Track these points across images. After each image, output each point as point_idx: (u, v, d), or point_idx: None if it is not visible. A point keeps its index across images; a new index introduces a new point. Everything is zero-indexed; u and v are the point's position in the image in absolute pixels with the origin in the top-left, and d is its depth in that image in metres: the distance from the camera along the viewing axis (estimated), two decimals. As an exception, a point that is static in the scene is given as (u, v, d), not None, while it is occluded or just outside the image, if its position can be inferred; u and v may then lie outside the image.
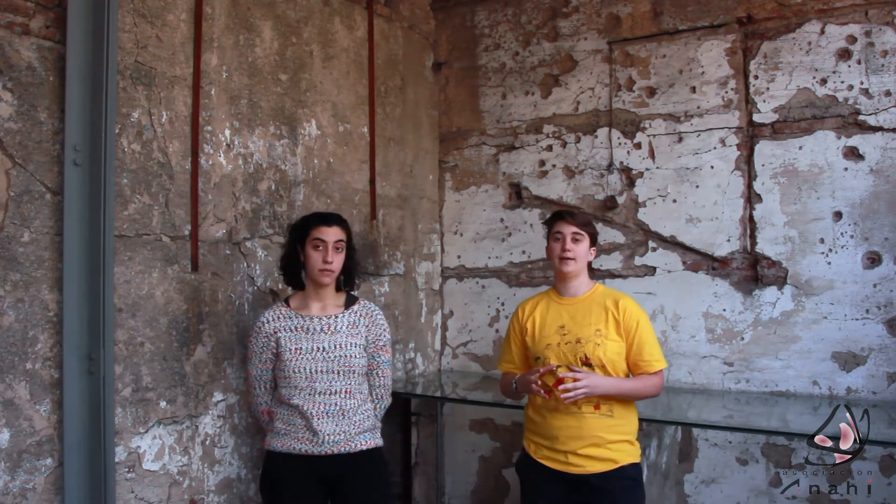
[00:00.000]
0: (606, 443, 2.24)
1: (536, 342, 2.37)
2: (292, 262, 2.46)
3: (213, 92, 2.65)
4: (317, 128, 3.16)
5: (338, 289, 2.49)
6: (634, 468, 2.29)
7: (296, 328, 2.38)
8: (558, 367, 2.25)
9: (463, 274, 3.96)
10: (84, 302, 2.14)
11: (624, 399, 2.28)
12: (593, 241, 2.42)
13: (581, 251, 2.36)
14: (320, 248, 2.36)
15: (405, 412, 3.72)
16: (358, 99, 3.42)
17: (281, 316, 2.41)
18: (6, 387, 2.01)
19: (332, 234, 2.37)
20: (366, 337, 2.43)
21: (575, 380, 2.17)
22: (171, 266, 2.47)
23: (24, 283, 2.06)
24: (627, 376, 2.32)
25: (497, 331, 3.83)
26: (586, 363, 2.25)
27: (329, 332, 2.38)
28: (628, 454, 2.28)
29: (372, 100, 3.49)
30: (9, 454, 2.01)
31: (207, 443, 2.59)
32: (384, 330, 2.50)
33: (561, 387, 2.18)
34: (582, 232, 2.36)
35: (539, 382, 2.22)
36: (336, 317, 2.42)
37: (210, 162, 2.63)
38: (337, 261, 2.38)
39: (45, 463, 2.10)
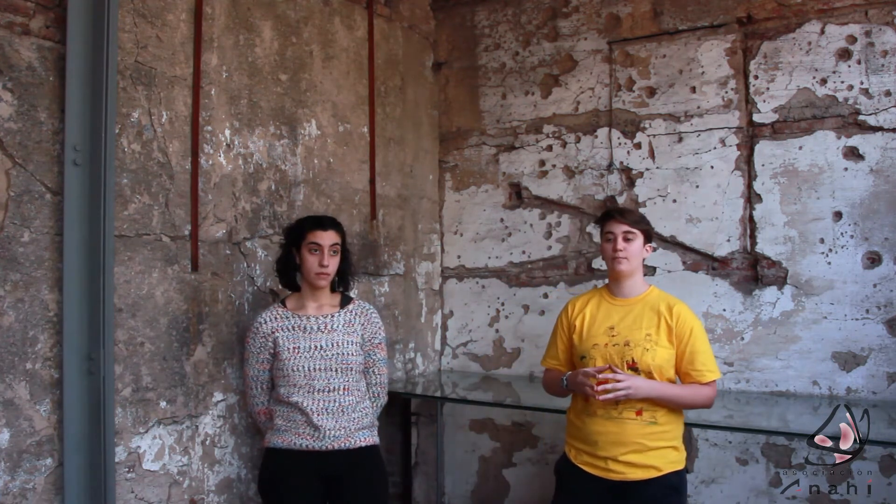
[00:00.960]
0: (648, 449, 2.18)
1: (584, 341, 2.32)
2: (288, 264, 2.49)
3: (213, 92, 2.65)
4: (317, 128, 3.16)
5: (332, 289, 2.52)
6: (677, 476, 2.21)
7: (293, 328, 2.42)
8: (610, 367, 2.18)
9: (463, 274, 3.96)
10: (84, 302, 2.14)
11: (670, 406, 2.21)
12: (648, 238, 2.34)
13: (634, 250, 2.29)
14: (316, 251, 2.39)
15: (405, 412, 3.72)
16: (358, 99, 3.42)
17: (278, 316, 2.45)
18: (6, 387, 2.01)
19: (327, 238, 2.40)
20: (361, 335, 2.48)
21: (616, 381, 2.11)
22: (171, 266, 2.47)
23: (24, 283, 2.06)
24: (673, 383, 2.26)
25: (497, 331, 3.83)
26: (632, 367, 2.19)
27: (326, 331, 2.42)
28: (671, 462, 2.21)
29: (372, 100, 3.49)
30: (9, 454, 2.01)
31: (207, 443, 2.59)
32: (379, 328, 2.55)
33: (600, 387, 2.12)
34: (634, 230, 2.29)
35: (592, 384, 2.15)
36: (332, 316, 2.46)
37: (210, 162, 2.63)
38: (332, 264, 2.42)
39: (45, 463, 2.10)
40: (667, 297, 2.32)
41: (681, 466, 2.24)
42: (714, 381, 2.25)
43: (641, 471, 2.18)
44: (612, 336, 2.26)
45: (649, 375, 2.19)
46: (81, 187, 2.14)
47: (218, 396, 2.63)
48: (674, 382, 2.26)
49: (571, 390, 2.29)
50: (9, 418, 2.01)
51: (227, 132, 2.71)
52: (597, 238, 3.39)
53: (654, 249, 2.50)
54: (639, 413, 2.18)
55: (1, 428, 2.00)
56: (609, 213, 2.36)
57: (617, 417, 2.20)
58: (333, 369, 2.38)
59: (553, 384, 2.42)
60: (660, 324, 2.25)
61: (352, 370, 2.42)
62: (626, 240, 2.28)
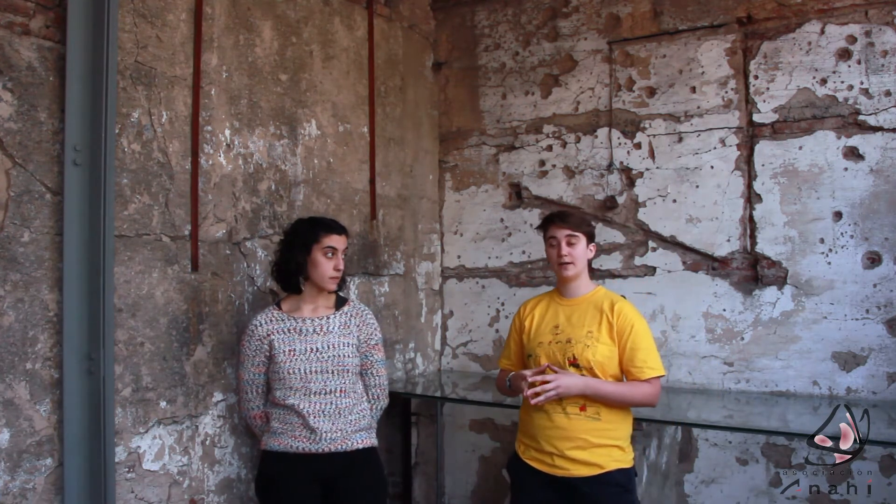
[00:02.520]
0: (592, 446, 2.19)
1: (531, 340, 2.37)
2: (293, 266, 2.43)
3: (213, 92, 2.65)
4: (317, 128, 3.16)
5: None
6: (623, 474, 2.21)
7: (288, 330, 2.41)
8: (548, 366, 2.23)
9: (463, 274, 3.96)
10: (84, 302, 2.13)
11: (610, 403, 2.22)
12: (590, 239, 2.37)
13: (578, 253, 2.32)
14: (331, 255, 2.40)
15: (405, 412, 3.72)
16: (358, 99, 3.42)
17: (273, 319, 2.44)
18: (6, 387, 2.01)
19: (341, 242, 2.44)
20: (357, 337, 2.47)
21: (545, 381, 2.14)
22: (171, 266, 2.47)
23: (24, 283, 2.06)
24: (620, 381, 2.26)
25: (497, 331, 3.83)
26: (573, 364, 2.22)
27: (321, 333, 2.41)
28: (616, 460, 2.21)
29: (372, 100, 3.49)
30: (9, 454, 2.01)
31: (207, 443, 2.59)
32: (375, 329, 2.54)
33: (530, 391, 2.16)
34: (576, 233, 2.32)
35: (529, 382, 2.18)
36: (328, 318, 2.45)
37: (210, 162, 2.63)
38: (343, 268, 2.45)
39: (45, 463, 2.10)
40: (611, 296, 2.36)
41: (627, 465, 2.24)
42: (656, 377, 2.24)
43: (585, 468, 2.19)
44: (556, 334, 2.31)
45: (591, 372, 2.21)
46: (81, 187, 2.14)
47: (218, 396, 2.63)
48: (619, 379, 2.26)
49: (515, 391, 2.35)
50: (9, 418, 2.01)
51: (227, 132, 2.71)
52: (597, 239, 3.40)
53: (598, 247, 2.52)
54: (582, 409, 2.21)
55: (1, 428, 2.00)
56: (550, 218, 2.38)
57: (561, 413, 2.22)
58: (330, 371, 2.37)
59: (500, 384, 2.49)
60: (601, 321, 2.27)
61: (348, 372, 2.41)
62: (570, 244, 2.31)
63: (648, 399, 2.24)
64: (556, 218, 2.37)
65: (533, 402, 2.16)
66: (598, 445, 2.20)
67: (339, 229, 2.46)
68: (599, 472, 2.19)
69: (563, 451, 2.21)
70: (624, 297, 2.38)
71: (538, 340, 2.34)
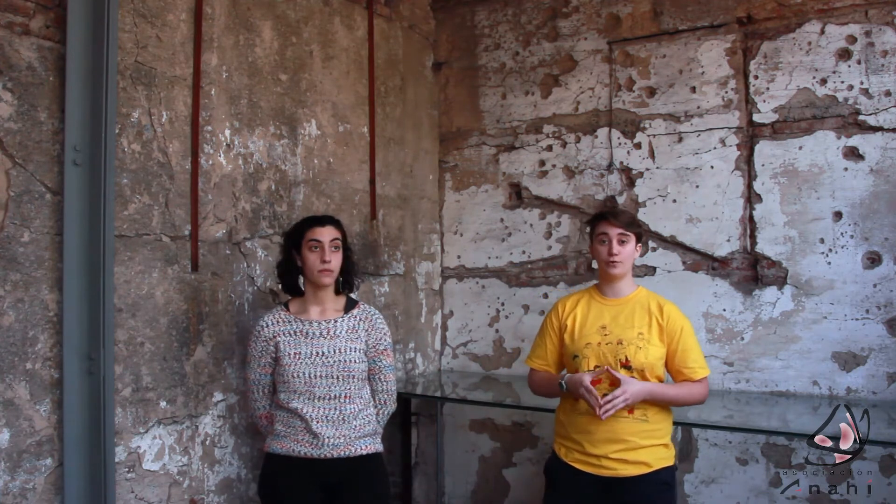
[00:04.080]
0: (639, 447, 2.19)
1: (576, 340, 2.31)
2: (289, 268, 2.44)
3: (213, 92, 2.65)
4: (317, 128, 3.16)
5: (337, 291, 2.46)
6: (668, 472, 2.23)
7: (295, 332, 2.37)
8: (607, 369, 2.18)
9: (463, 274, 3.96)
10: (84, 302, 2.13)
11: (668, 405, 2.24)
12: (639, 239, 2.34)
13: (627, 252, 2.28)
14: (316, 248, 2.34)
15: (405, 412, 3.72)
16: (358, 99, 3.42)
17: (280, 320, 2.40)
18: (6, 387, 2.01)
19: (326, 233, 2.36)
20: (366, 341, 2.41)
21: (614, 396, 2.10)
22: (171, 266, 2.47)
23: (24, 283, 2.06)
24: (663, 381, 2.27)
25: (497, 331, 3.83)
26: (626, 366, 2.20)
27: (328, 337, 2.36)
28: (661, 458, 2.22)
29: (372, 100, 3.49)
30: (9, 454, 2.01)
31: (207, 443, 2.59)
32: (384, 334, 2.47)
33: (603, 408, 2.11)
34: (628, 233, 2.28)
35: (596, 398, 2.13)
36: (335, 321, 2.40)
37: (210, 162, 2.63)
38: (335, 259, 2.36)
39: (45, 463, 2.10)
40: (656, 297, 2.35)
41: (671, 463, 2.27)
42: (705, 377, 2.27)
43: (633, 467, 2.19)
44: (605, 335, 2.27)
45: (641, 373, 2.20)
46: (81, 187, 2.14)
47: (218, 396, 2.63)
48: (663, 380, 2.27)
49: (574, 394, 2.25)
50: (9, 418, 2.01)
51: (227, 132, 2.71)
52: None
53: (654, 249, 2.51)
54: (630, 411, 2.19)
55: (1, 428, 2.00)
56: (603, 215, 2.34)
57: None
58: (335, 377, 2.32)
59: (545, 385, 2.40)
60: (651, 322, 2.26)
61: (354, 378, 2.35)
62: (621, 242, 2.28)
63: (701, 398, 2.29)
64: (609, 215, 2.32)
65: (604, 417, 2.12)
66: (644, 446, 2.20)
67: (322, 221, 2.39)
68: (647, 472, 2.19)
69: (610, 454, 2.20)
70: (668, 300, 2.36)
71: (585, 341, 2.28)
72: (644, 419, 2.20)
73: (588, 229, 2.42)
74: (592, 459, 2.23)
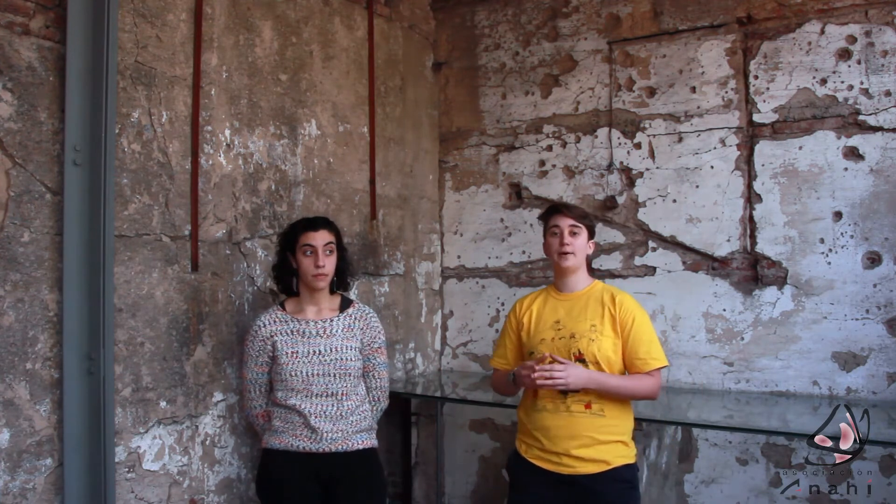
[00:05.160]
0: (598, 443, 2.18)
1: (531, 337, 2.34)
2: (284, 269, 2.48)
3: (213, 92, 2.65)
4: (317, 128, 3.16)
5: (331, 291, 2.49)
6: (628, 470, 2.22)
7: (292, 332, 2.41)
8: (550, 355, 2.19)
9: (463, 274, 3.96)
10: (84, 302, 2.13)
11: (615, 398, 2.21)
12: (591, 234, 2.36)
13: (579, 245, 2.30)
14: (310, 253, 2.37)
15: (405, 412, 3.72)
16: (358, 99, 3.42)
17: (277, 320, 2.43)
18: (6, 387, 2.01)
19: (319, 238, 2.39)
20: (361, 340, 2.46)
21: (554, 368, 2.12)
22: (171, 266, 2.47)
23: (24, 283, 2.06)
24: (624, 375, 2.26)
25: (497, 331, 3.83)
26: (580, 359, 2.20)
27: (325, 336, 2.40)
28: (621, 455, 2.21)
29: (372, 100, 3.49)
30: (9, 454, 2.01)
31: (207, 443, 2.59)
32: (379, 332, 2.53)
33: (537, 373, 2.12)
34: (579, 224, 2.30)
35: (538, 368, 2.15)
36: (331, 320, 2.44)
37: (210, 162, 2.63)
38: (329, 264, 2.40)
39: (45, 463, 2.10)
40: (611, 289, 2.33)
41: (631, 461, 2.24)
42: (658, 369, 2.22)
43: (592, 464, 2.18)
44: (559, 330, 2.27)
45: (597, 366, 2.19)
46: (81, 187, 2.14)
47: (218, 396, 2.63)
48: (624, 374, 2.25)
49: (519, 385, 2.29)
50: (9, 418, 2.01)
51: (227, 132, 2.71)
52: (597, 238, 3.40)
53: (597, 245, 2.50)
54: (587, 406, 2.19)
55: (1, 428, 2.00)
56: (555, 208, 2.37)
57: (566, 411, 2.20)
58: (332, 374, 2.37)
59: (501, 383, 2.44)
60: (604, 314, 2.25)
61: (350, 375, 2.40)
62: (572, 234, 2.29)
63: (652, 391, 2.22)
64: (561, 207, 2.36)
65: (538, 383, 2.12)
66: (603, 442, 2.19)
67: (316, 226, 2.41)
68: (606, 469, 2.18)
69: (570, 450, 2.19)
70: (624, 291, 2.35)
71: (540, 337, 2.30)
72: (601, 414, 2.19)
73: (542, 225, 2.42)
74: (552, 457, 2.23)
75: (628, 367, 2.26)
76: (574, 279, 2.35)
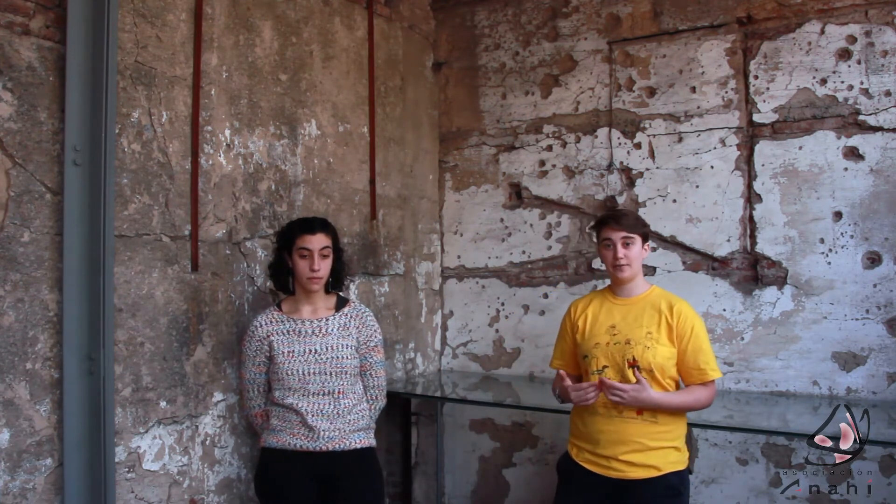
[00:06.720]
0: (649, 449, 2.18)
1: (586, 340, 2.32)
2: (280, 269, 2.49)
3: (213, 92, 2.65)
4: (317, 128, 3.16)
5: (326, 290, 2.50)
6: (677, 477, 2.21)
7: (288, 331, 2.41)
8: (602, 370, 2.23)
9: (463, 274, 3.96)
10: (84, 302, 2.14)
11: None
12: (645, 239, 2.34)
13: (634, 255, 2.28)
14: (306, 256, 2.38)
15: (405, 412, 3.72)
16: (358, 99, 3.42)
17: (273, 320, 2.44)
18: (6, 387, 2.01)
19: (316, 241, 2.39)
20: (357, 338, 2.46)
21: (623, 389, 2.12)
22: (171, 266, 2.47)
23: (24, 283, 2.06)
24: (677, 382, 2.27)
25: (497, 331, 3.83)
26: (634, 365, 2.19)
27: (320, 335, 2.41)
28: (671, 462, 2.20)
29: (372, 100, 3.49)
30: (9, 454, 2.01)
31: (207, 443, 2.59)
32: (375, 331, 2.53)
33: (609, 383, 2.14)
34: (632, 234, 2.27)
35: (566, 379, 2.21)
36: (327, 319, 2.45)
37: (210, 162, 2.63)
38: (324, 267, 2.41)
39: (45, 463, 2.10)
40: (668, 296, 2.32)
41: (682, 467, 2.24)
42: (714, 380, 2.25)
43: (642, 470, 2.18)
44: (614, 335, 2.26)
45: (650, 373, 2.19)
46: (81, 187, 2.14)
47: (218, 396, 2.63)
48: (676, 381, 2.27)
49: (565, 400, 2.32)
50: (9, 418, 2.01)
51: (227, 132, 2.71)
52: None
53: (654, 249, 2.50)
54: (639, 412, 2.19)
55: (1, 428, 2.00)
56: (604, 220, 2.34)
57: (618, 416, 2.21)
58: (328, 373, 2.38)
59: (554, 388, 2.46)
60: (661, 322, 2.24)
61: (347, 374, 2.41)
62: (626, 245, 2.27)
63: (709, 402, 2.24)
64: (611, 219, 2.31)
65: (609, 393, 2.13)
66: (653, 448, 2.19)
67: (312, 228, 2.41)
68: (656, 475, 2.18)
69: (619, 455, 2.19)
70: (681, 298, 2.34)
71: (594, 341, 2.29)
72: (653, 420, 2.19)
73: (594, 234, 2.43)
74: (602, 461, 2.23)
75: (684, 377, 2.26)
76: (631, 285, 2.34)
